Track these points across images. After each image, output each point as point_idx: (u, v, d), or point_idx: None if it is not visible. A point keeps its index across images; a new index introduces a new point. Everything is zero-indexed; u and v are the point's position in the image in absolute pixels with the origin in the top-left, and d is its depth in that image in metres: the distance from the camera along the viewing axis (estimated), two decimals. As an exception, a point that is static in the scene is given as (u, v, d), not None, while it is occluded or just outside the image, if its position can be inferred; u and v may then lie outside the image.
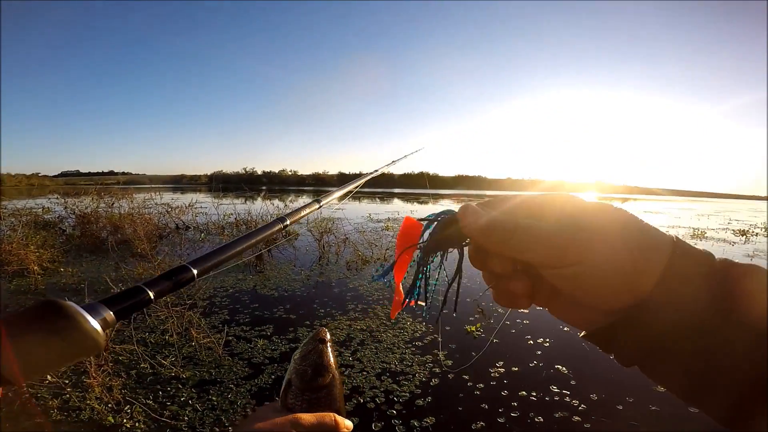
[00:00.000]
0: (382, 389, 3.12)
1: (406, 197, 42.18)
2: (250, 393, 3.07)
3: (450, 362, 3.56)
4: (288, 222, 0.63)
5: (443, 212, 0.36)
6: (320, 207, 0.81)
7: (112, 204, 11.90)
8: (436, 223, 0.36)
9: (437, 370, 3.43)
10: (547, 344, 3.98)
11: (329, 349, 0.60)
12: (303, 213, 0.72)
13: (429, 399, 3.00)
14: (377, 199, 36.92)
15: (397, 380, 3.24)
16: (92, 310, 0.30)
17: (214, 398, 2.98)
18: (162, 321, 4.06)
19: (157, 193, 17.90)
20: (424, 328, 4.29)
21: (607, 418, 2.77)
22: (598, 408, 2.90)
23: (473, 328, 4.28)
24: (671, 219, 20.57)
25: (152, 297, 0.37)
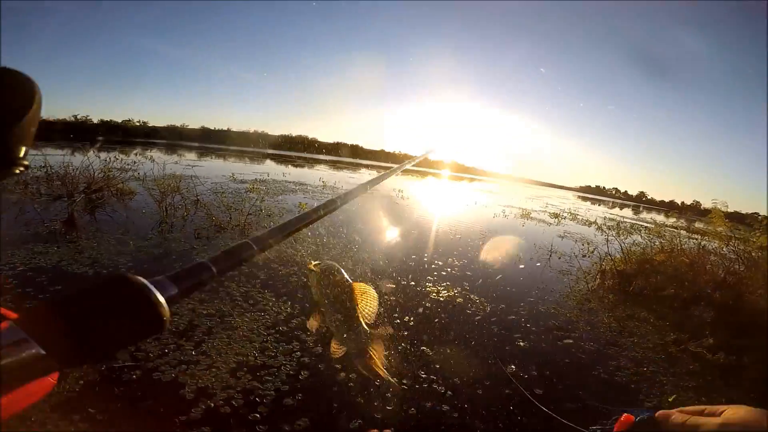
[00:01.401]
0: (238, 388, 2.56)
1: (280, 159, 39.73)
2: (50, 406, 2.14)
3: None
4: (339, 204, 0.63)
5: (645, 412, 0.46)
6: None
7: None
8: None
9: (307, 359, 3.01)
10: (412, 323, 3.98)
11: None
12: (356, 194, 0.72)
13: (300, 396, 2.57)
14: (246, 159, 33.76)
15: (258, 376, 2.72)
16: (160, 286, 0.29)
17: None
18: None
19: None
20: (289, 309, 3.80)
21: (469, 402, 2.83)
22: (461, 391, 2.95)
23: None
24: (506, 199, 24.48)
25: (215, 273, 0.36)
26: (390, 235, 8.11)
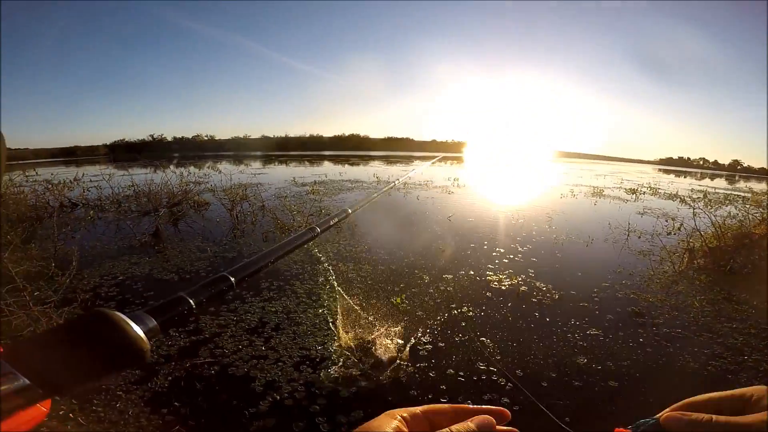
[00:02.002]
0: (301, 381, 2.73)
1: (336, 159, 40.99)
2: (143, 400, 2.49)
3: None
4: (319, 231, 0.67)
5: (645, 422, 0.37)
6: (350, 214, 0.85)
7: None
8: None
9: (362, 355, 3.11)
10: (471, 314, 3.89)
11: None
12: (332, 222, 0.77)
13: (354, 389, 2.67)
14: (305, 162, 35.34)
15: (318, 369, 2.87)
16: (138, 320, 0.30)
17: (100, 409, 2.37)
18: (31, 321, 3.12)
19: (33, 169, 14.85)
20: (349, 303, 3.94)
21: (534, 394, 2.71)
22: (526, 382, 2.84)
23: (399, 300, 4.04)
24: (575, 179, 22.72)
25: (194, 306, 0.37)
26: (443, 225, 7.97)
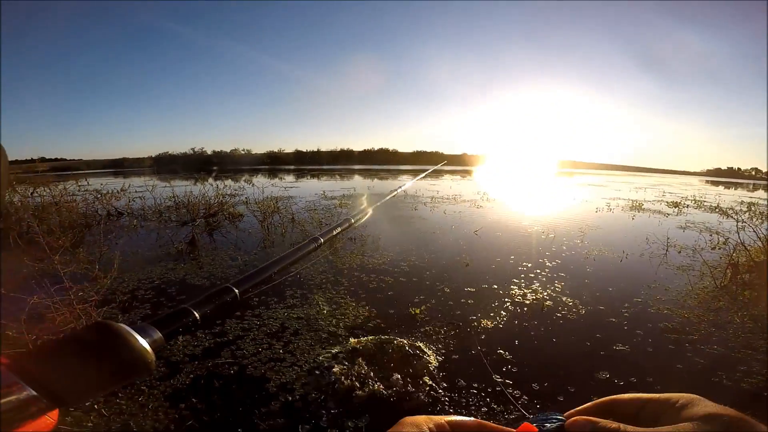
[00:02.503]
0: (314, 384, 2.81)
1: (365, 173, 41.61)
2: (164, 395, 2.67)
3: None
4: (322, 240, 0.69)
5: (551, 419, 0.34)
6: (352, 225, 0.83)
7: (31, 193, 10.48)
8: None
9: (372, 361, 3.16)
10: (490, 327, 3.84)
11: None
12: (335, 232, 0.75)
13: (363, 393, 2.72)
14: (336, 176, 36.12)
15: (330, 373, 2.94)
16: (142, 332, 0.30)
17: (123, 402, 2.57)
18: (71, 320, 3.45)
19: (85, 179, 16.21)
20: (366, 312, 4.01)
21: (549, 408, 2.65)
22: (542, 397, 2.77)
23: (417, 311, 4.06)
24: (612, 192, 21.78)
25: (198, 318, 0.38)
26: (470, 240, 7.90)
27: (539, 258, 6.28)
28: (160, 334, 0.32)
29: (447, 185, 22.84)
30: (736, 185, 47.39)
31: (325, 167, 66.32)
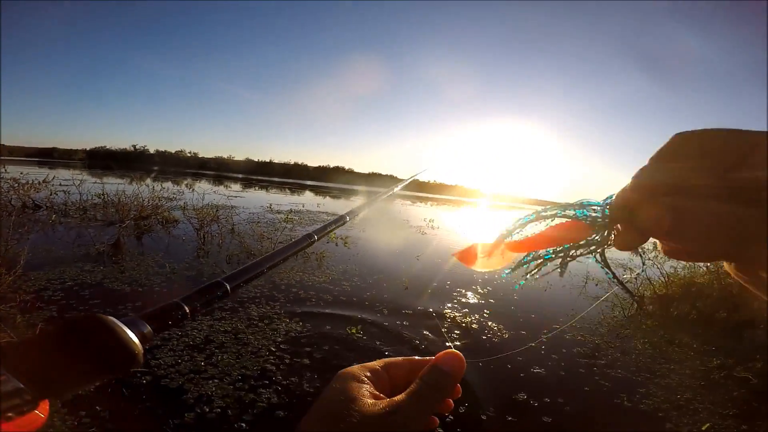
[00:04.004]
0: (234, 398, 2.67)
1: (318, 190, 41.23)
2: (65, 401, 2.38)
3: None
4: (316, 237, 0.66)
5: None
6: (346, 222, 0.83)
7: None
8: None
9: (309, 373, 3.09)
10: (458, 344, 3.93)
11: None
12: (329, 229, 0.75)
13: (286, 412, 2.63)
14: (287, 190, 35.38)
15: (255, 388, 2.82)
16: (131, 325, 0.30)
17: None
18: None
19: (3, 166, 14.35)
20: (299, 328, 3.92)
21: (471, 430, 2.74)
22: (461, 416, 2.86)
23: (354, 330, 4.05)
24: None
25: (188, 312, 0.37)
26: (411, 264, 8.09)
27: (472, 284, 6.57)
28: (150, 328, 0.32)
29: (397, 209, 23.28)
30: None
31: (275, 179, 64.77)
